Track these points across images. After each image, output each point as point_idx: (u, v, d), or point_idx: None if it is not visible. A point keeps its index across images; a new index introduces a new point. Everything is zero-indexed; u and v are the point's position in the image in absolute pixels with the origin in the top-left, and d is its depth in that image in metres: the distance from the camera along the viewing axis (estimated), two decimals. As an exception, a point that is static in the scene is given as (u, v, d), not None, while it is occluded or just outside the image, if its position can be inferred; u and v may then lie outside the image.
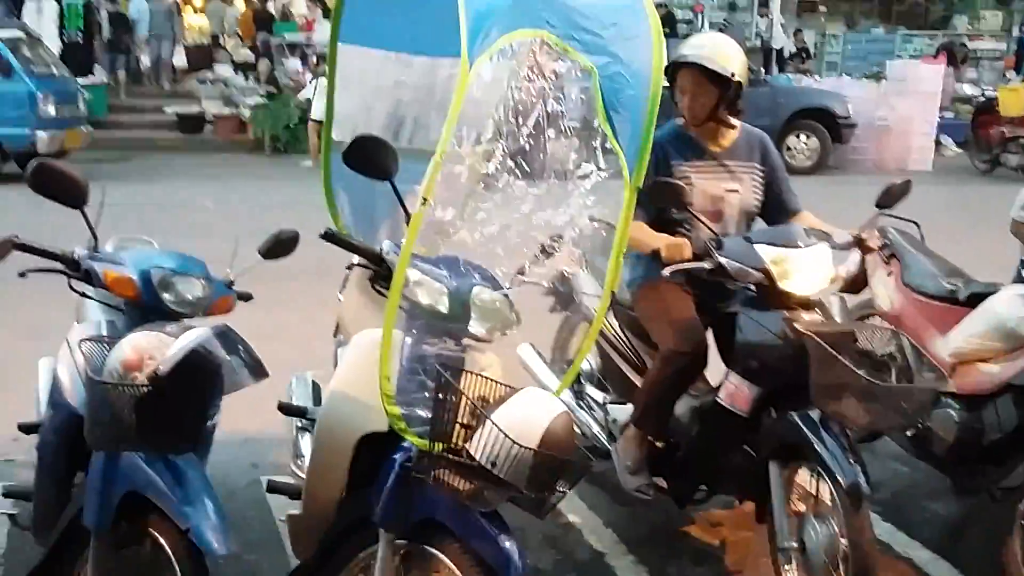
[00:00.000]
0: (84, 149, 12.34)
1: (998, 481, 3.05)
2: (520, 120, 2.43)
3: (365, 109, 3.28)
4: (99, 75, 15.15)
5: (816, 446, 2.68)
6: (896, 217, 3.99)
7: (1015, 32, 19.58)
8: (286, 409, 3.06)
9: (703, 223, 2.89)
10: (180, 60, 14.35)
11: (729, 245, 2.82)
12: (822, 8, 20.01)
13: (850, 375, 2.52)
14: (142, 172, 12.31)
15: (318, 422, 2.55)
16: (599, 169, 2.62)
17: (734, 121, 3.19)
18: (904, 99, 12.90)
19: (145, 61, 15.82)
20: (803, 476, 2.88)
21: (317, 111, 12.12)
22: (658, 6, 16.63)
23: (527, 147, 2.43)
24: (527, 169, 2.42)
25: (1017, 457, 3.01)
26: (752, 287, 2.93)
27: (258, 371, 2.35)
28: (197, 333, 2.24)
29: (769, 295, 2.84)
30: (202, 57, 17.48)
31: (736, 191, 3.12)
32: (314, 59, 13.62)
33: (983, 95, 13.53)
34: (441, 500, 2.31)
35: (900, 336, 2.82)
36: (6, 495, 2.97)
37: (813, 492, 2.82)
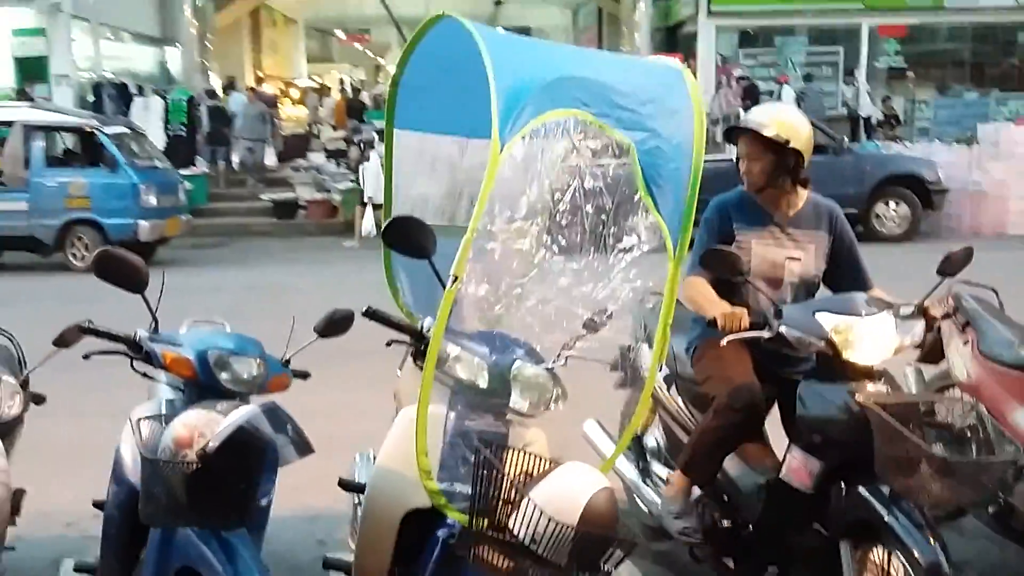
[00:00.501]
0: (184, 236, 13.04)
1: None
2: (556, 197, 2.47)
3: (423, 191, 3.38)
4: (200, 166, 16.01)
5: (889, 522, 2.57)
6: (973, 284, 3.89)
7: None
8: (346, 486, 3.11)
9: (762, 291, 2.88)
10: (271, 160, 15.04)
11: (789, 313, 2.79)
12: (909, 74, 19.64)
13: (916, 448, 2.44)
14: (238, 256, 12.88)
15: (365, 497, 2.59)
16: (641, 242, 2.65)
17: (801, 190, 3.21)
18: (998, 163, 12.51)
19: (239, 158, 16.66)
20: (877, 556, 2.73)
21: (366, 192, 12.74)
22: (741, 78, 16.86)
23: (564, 223, 2.47)
24: (565, 244, 2.46)
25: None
26: (813, 357, 2.87)
27: (304, 448, 2.40)
28: (245, 410, 2.32)
29: (832, 365, 2.78)
30: (298, 146, 18.35)
31: (798, 259, 3.12)
32: (360, 145, 14.22)
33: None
34: (483, 576, 2.30)
35: (978, 406, 2.72)
36: (77, 570, 3.08)
37: (888, 573, 2.69)
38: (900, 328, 2.82)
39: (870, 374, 2.77)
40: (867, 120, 17.52)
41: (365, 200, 12.91)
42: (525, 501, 2.17)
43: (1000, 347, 3.44)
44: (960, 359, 3.62)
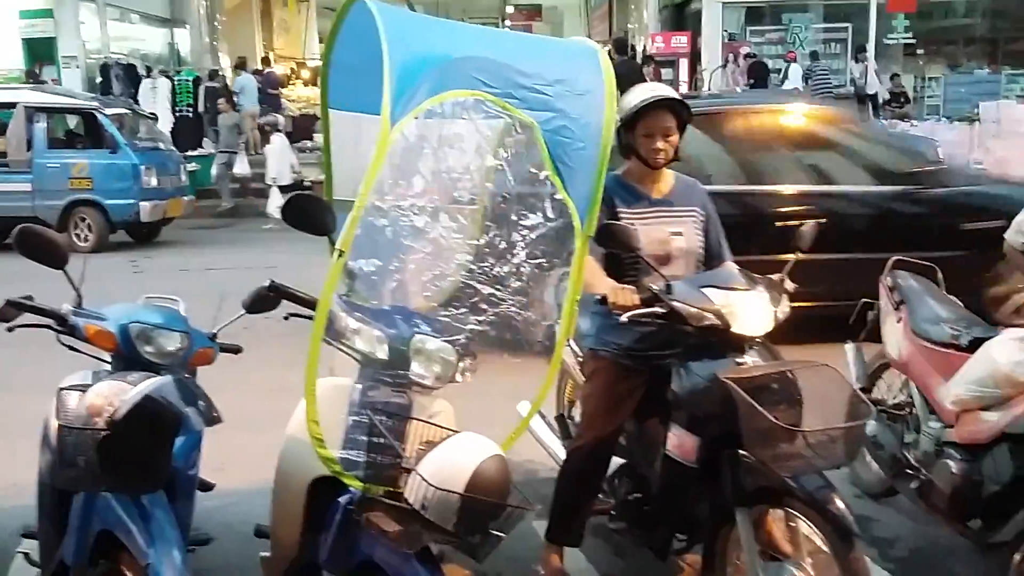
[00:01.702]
0: (188, 217, 13.20)
1: (992, 535, 2.91)
2: (456, 175, 2.53)
3: (359, 169, 3.45)
4: (207, 147, 16.15)
5: (795, 487, 2.62)
6: (915, 262, 3.93)
7: None
8: None
9: (652, 267, 2.91)
10: (243, 169, 14.83)
11: (679, 289, 2.82)
12: (919, 51, 19.41)
13: (765, 420, 2.47)
14: (240, 237, 13.00)
15: (277, 466, 2.68)
16: (547, 219, 2.71)
17: (667, 169, 3.22)
18: (1000, 141, 12.35)
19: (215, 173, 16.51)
20: (775, 520, 2.80)
21: (269, 173, 12.90)
22: (748, 55, 16.71)
23: (463, 200, 2.53)
24: (465, 224, 2.52)
25: (1011, 510, 2.86)
26: (690, 332, 2.86)
27: (211, 419, 2.50)
28: (154, 381, 2.42)
29: (713, 340, 2.80)
30: (306, 126, 18.41)
31: (680, 234, 3.16)
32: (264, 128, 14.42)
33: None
34: (379, 542, 2.39)
35: (833, 371, 2.68)
36: (24, 536, 3.21)
37: (788, 537, 2.75)
38: (771, 302, 2.87)
39: (749, 344, 2.82)
40: (874, 98, 17.34)
41: (268, 181, 13.17)
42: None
43: (928, 325, 3.48)
44: (893, 337, 3.68)
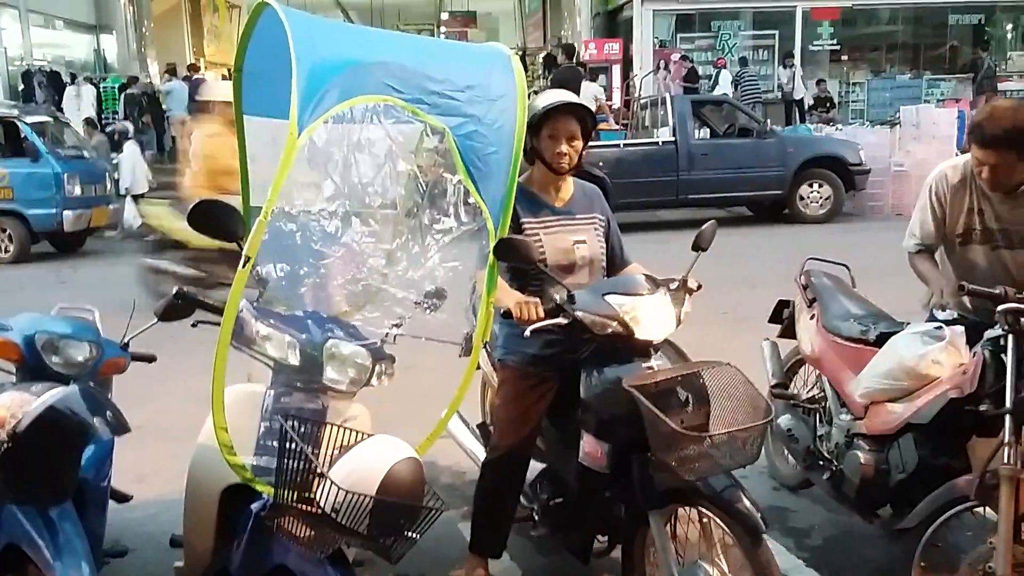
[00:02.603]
0: (114, 226, 12.90)
1: (899, 521, 3.01)
2: (364, 180, 2.54)
3: (270, 174, 3.43)
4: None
5: (702, 488, 2.65)
6: (827, 261, 4.05)
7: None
8: None
9: (553, 278, 2.91)
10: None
11: (581, 298, 2.83)
12: (844, 57, 20.00)
13: (667, 427, 2.47)
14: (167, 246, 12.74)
15: (188, 475, 2.65)
16: (461, 223, 2.73)
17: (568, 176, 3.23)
18: (920, 144, 12.78)
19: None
20: (685, 519, 2.83)
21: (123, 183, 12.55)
22: (683, 58, 16.98)
23: (376, 204, 2.53)
24: (377, 227, 2.53)
25: (917, 497, 2.96)
26: (595, 339, 2.87)
27: (120, 428, 2.47)
28: (57, 391, 2.38)
29: (615, 345, 2.83)
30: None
31: (584, 242, 3.17)
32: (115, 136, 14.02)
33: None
34: (291, 548, 2.38)
35: (736, 370, 2.68)
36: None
37: (701, 535, 2.78)
38: (675, 303, 2.92)
39: (655, 348, 2.85)
40: (800, 103, 17.80)
41: (122, 191, 12.83)
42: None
43: (839, 321, 3.59)
44: (806, 333, 3.78)
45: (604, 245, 3.24)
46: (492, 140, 2.69)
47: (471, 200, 2.69)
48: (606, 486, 2.95)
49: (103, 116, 15.67)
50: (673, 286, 2.96)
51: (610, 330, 2.77)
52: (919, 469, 3.06)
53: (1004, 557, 2.67)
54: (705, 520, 2.75)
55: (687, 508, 2.78)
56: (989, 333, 2.87)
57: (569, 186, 3.25)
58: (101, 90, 15.74)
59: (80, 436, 2.40)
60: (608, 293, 2.84)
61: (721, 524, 2.68)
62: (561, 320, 2.81)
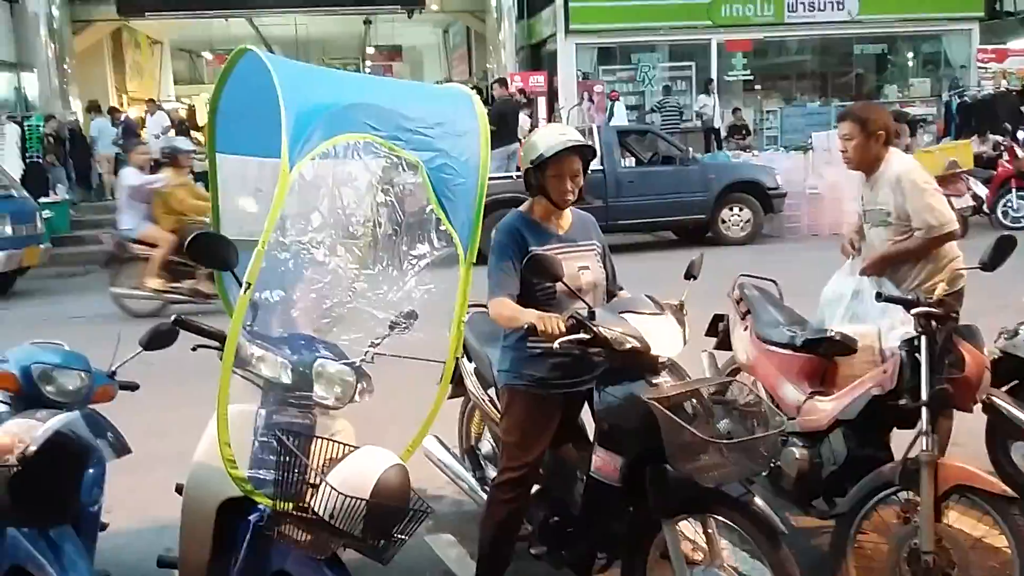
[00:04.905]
0: (45, 265, 12.71)
1: (832, 509, 3.33)
2: (350, 211, 2.76)
3: (247, 210, 3.62)
4: (61, 193, 15.59)
5: (719, 496, 2.80)
6: (757, 277, 4.40)
7: (944, 97, 20.52)
8: (180, 490, 3.30)
9: (576, 294, 3.00)
10: None
11: (601, 315, 2.93)
12: (757, 87, 20.93)
13: (689, 435, 2.63)
14: (100, 285, 12.61)
15: (184, 492, 2.81)
16: (433, 248, 2.97)
17: None
18: (832, 167, 13.44)
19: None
20: (692, 528, 3.01)
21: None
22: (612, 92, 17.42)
23: (359, 234, 2.75)
24: (359, 253, 2.75)
25: (847, 487, 3.28)
26: (609, 357, 3.00)
27: (122, 450, 2.63)
28: (63, 416, 2.53)
29: (636, 361, 2.93)
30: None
31: (588, 268, 3.28)
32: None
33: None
34: (290, 553, 2.57)
35: (744, 384, 3.01)
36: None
37: (706, 543, 2.95)
38: (679, 324, 3.10)
39: (663, 366, 2.98)
40: (717, 131, 18.53)
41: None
42: (322, 481, 2.45)
43: (770, 329, 3.92)
44: (741, 343, 4.11)
45: (603, 270, 3.36)
46: (460, 172, 2.94)
47: (442, 227, 2.93)
48: (616, 500, 3.03)
49: (28, 155, 15.43)
50: (674, 309, 3.11)
51: (629, 346, 2.88)
52: (848, 461, 3.39)
53: (927, 535, 3.01)
54: (708, 531, 2.93)
55: (693, 519, 2.95)
56: (906, 335, 3.22)
57: (568, 215, 3.36)
58: (25, 128, 15.50)
59: (85, 458, 2.55)
60: (624, 312, 2.98)
61: (739, 529, 2.83)
62: (583, 335, 2.88)
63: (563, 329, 2.91)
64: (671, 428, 2.66)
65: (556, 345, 2.89)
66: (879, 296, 3.22)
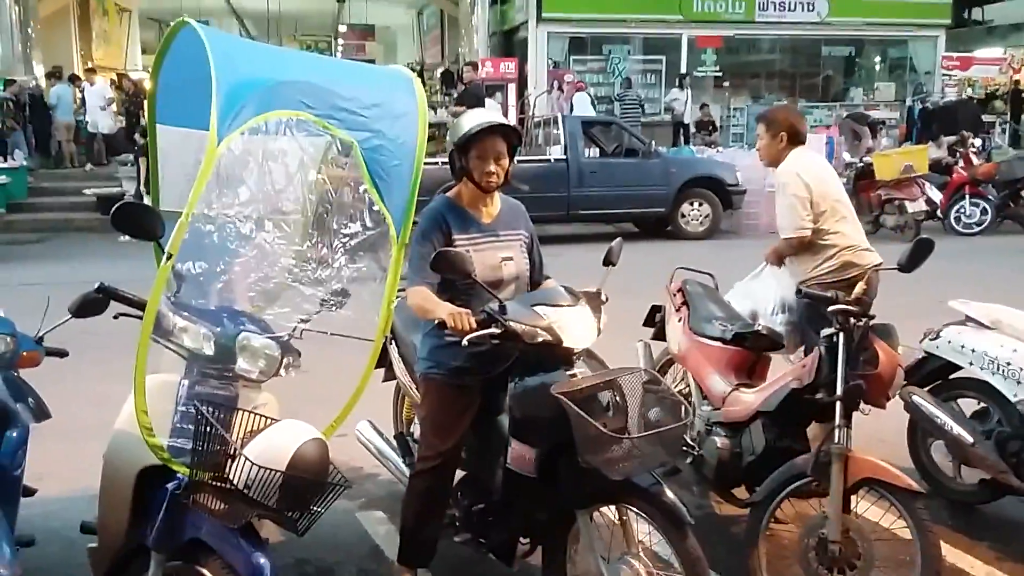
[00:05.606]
0: (-1, 231, 12.55)
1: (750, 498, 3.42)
2: (278, 187, 2.78)
3: (184, 180, 3.62)
4: (19, 159, 15.36)
5: (628, 487, 2.84)
6: (695, 271, 4.49)
7: (908, 102, 20.84)
8: None
9: (486, 289, 2.98)
10: None
11: (513, 309, 2.94)
12: (725, 83, 21.09)
13: (595, 430, 2.65)
14: (55, 252, 12.49)
15: (104, 459, 2.83)
16: (366, 228, 3.00)
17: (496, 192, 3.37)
18: (791, 166, 13.62)
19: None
20: (608, 516, 3.03)
21: None
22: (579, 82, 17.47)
23: (287, 210, 2.78)
24: (288, 230, 2.77)
25: (765, 476, 3.37)
26: (525, 348, 2.99)
27: (41, 414, 2.64)
28: (-20, 379, 2.54)
29: (549, 353, 2.95)
30: (127, 138, 17.83)
31: (511, 259, 3.27)
32: None
33: (860, 161, 14.32)
34: (205, 521, 2.60)
35: (653, 375, 3.01)
36: None
37: (621, 532, 2.97)
38: (593, 313, 3.11)
39: (577, 357, 3.01)
40: (686, 126, 18.65)
41: None
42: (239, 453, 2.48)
43: (703, 323, 4.01)
44: (675, 334, 4.19)
45: (528, 261, 3.34)
46: (396, 154, 2.96)
47: (375, 208, 2.96)
48: (532, 490, 3.06)
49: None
50: (590, 298, 3.13)
51: (540, 339, 2.89)
52: (767, 451, 3.49)
53: (835, 525, 3.12)
54: (625, 518, 2.96)
55: (608, 507, 2.99)
56: (824, 331, 3.31)
57: (496, 202, 3.33)
58: (-16, 92, 15.27)
59: (2, 421, 2.55)
60: (536, 304, 2.97)
61: (647, 519, 2.86)
62: (494, 330, 2.89)
63: (473, 325, 2.91)
64: (579, 423, 2.68)
65: (465, 342, 2.89)
66: (799, 292, 3.31)
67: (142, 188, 13.00)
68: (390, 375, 3.98)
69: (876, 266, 4.13)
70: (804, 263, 4.23)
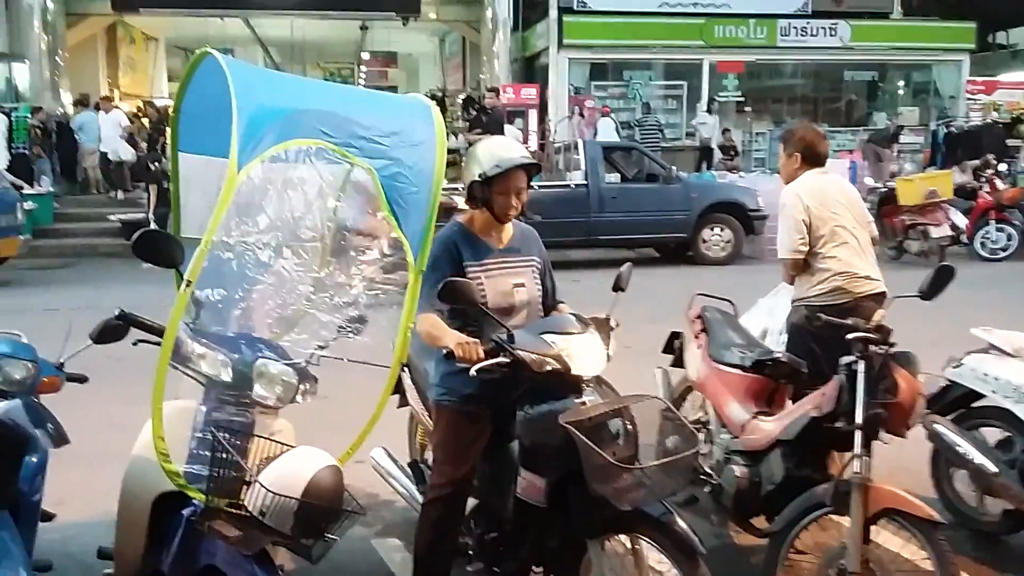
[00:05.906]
0: (23, 256, 12.71)
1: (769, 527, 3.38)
2: (299, 214, 2.81)
3: (205, 208, 3.66)
4: (45, 185, 15.59)
5: (639, 516, 2.82)
6: (714, 297, 4.47)
7: (932, 126, 20.70)
8: None
9: (494, 319, 2.98)
10: None
11: (520, 338, 2.93)
12: (747, 108, 21.09)
13: (603, 460, 2.64)
14: (80, 277, 12.64)
15: (122, 484, 2.85)
16: (384, 255, 3.02)
17: None
18: (813, 192, 13.56)
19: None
20: (620, 545, 3.01)
21: None
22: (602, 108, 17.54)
23: (306, 237, 2.80)
24: (306, 257, 2.79)
25: (784, 505, 3.33)
26: (534, 376, 2.96)
27: (60, 439, 2.66)
28: (3, 405, 2.56)
29: (558, 381, 2.94)
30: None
31: (523, 285, 3.26)
32: None
33: (884, 186, 14.22)
34: (220, 548, 2.60)
35: (663, 402, 2.99)
36: None
37: (633, 560, 2.95)
38: (603, 341, 3.12)
39: (587, 384, 3.02)
40: (711, 151, 18.65)
41: None
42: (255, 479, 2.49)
43: (722, 350, 3.99)
44: (693, 361, 4.17)
45: (540, 286, 3.33)
46: (413, 181, 2.98)
47: (393, 234, 2.98)
48: (543, 520, 3.04)
49: (13, 146, 15.43)
50: (600, 324, 3.14)
51: (548, 367, 2.88)
52: (786, 480, 3.45)
53: (855, 556, 3.07)
54: (636, 547, 2.94)
55: (620, 536, 2.95)
56: (844, 360, 3.28)
57: (509, 228, 3.32)
58: (12, 119, 15.49)
59: (23, 446, 2.58)
60: (544, 332, 2.97)
61: (659, 548, 2.84)
62: (503, 359, 2.88)
63: (481, 355, 2.91)
64: (587, 453, 2.68)
65: (473, 372, 2.89)
66: (818, 319, 3.29)
67: (150, 214, 13.12)
68: (404, 401, 3.98)
69: (872, 294, 4.07)
70: (802, 284, 4.23)
